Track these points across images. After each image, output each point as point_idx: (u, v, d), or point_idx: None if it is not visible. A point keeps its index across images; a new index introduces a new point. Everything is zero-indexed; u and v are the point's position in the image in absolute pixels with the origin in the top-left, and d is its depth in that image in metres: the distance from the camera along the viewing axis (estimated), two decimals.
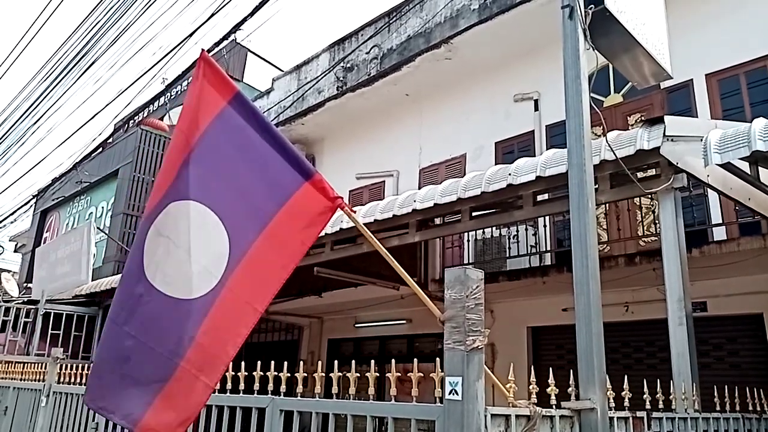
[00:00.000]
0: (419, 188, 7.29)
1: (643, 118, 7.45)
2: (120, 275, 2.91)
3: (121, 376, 2.60)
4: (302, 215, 2.86)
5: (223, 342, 2.60)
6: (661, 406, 3.25)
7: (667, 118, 4.12)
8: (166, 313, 2.61)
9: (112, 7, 9.48)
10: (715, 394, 3.78)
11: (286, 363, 3.20)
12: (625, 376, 3.11)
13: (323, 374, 2.95)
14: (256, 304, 2.65)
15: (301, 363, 3.20)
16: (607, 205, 7.03)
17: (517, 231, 8.04)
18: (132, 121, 17.35)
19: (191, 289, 2.61)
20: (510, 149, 9.29)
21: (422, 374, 2.54)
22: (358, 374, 2.80)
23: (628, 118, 7.98)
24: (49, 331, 9.78)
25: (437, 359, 2.39)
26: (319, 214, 2.86)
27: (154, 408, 2.52)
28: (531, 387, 2.60)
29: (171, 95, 16.51)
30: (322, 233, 6.21)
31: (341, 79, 11.51)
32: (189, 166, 2.80)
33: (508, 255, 8.15)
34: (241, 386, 3.40)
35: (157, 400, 2.52)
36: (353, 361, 2.86)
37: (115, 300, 2.72)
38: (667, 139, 4.02)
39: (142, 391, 2.54)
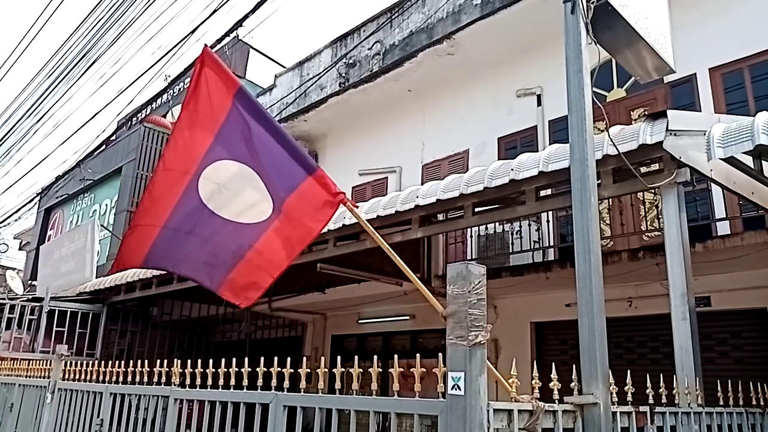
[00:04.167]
0: (422, 184, 7.28)
1: (646, 112, 7.43)
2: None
3: (203, 262, 3.50)
4: (305, 209, 2.91)
5: (277, 253, 3.30)
6: (664, 400, 3.25)
7: (670, 113, 4.10)
8: (229, 229, 3.40)
9: (114, 5, 9.48)
10: (719, 388, 3.77)
11: (289, 359, 3.22)
12: (628, 371, 3.11)
13: (326, 370, 2.96)
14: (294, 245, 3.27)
15: (305, 359, 3.21)
16: (610, 200, 7.03)
17: (520, 226, 8.03)
18: (135, 119, 17.38)
19: (245, 217, 3.37)
20: (513, 145, 9.28)
21: (425, 370, 2.54)
22: (362, 370, 2.81)
23: (631, 112, 7.96)
24: (54, 329, 9.83)
25: (440, 355, 2.40)
26: (321, 209, 2.89)
27: (228, 281, 3.42)
28: (534, 382, 2.61)
29: (174, 92, 16.53)
30: (325, 229, 6.22)
31: (343, 75, 11.50)
32: (225, 135, 3.31)
33: (511, 250, 8.14)
34: (245, 382, 3.42)
35: (228, 278, 3.41)
36: (356, 357, 2.85)
37: (178, 218, 3.45)
38: (670, 134, 4.01)
39: (218, 271, 3.46)
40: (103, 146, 13.94)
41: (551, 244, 7.94)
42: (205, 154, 3.37)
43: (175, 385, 3.99)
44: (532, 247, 7.86)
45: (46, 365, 5.93)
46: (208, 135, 3.33)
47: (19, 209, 16.42)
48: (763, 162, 3.98)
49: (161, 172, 3.45)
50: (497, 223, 7.93)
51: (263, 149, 3.19)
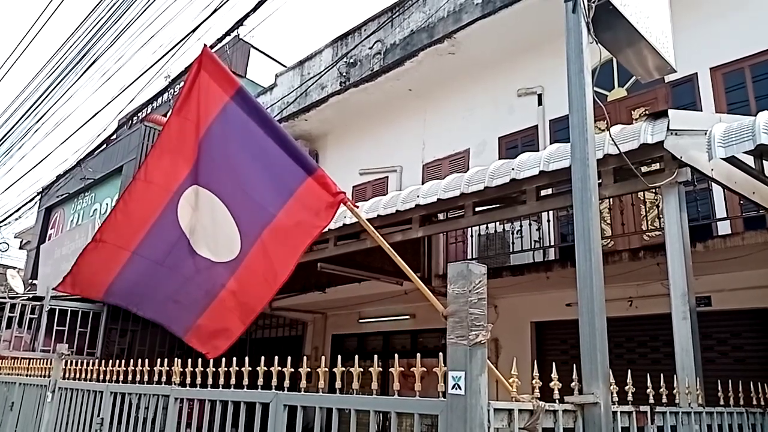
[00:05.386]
0: (422, 183, 7.28)
1: (647, 112, 7.43)
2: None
3: (174, 300, 3.24)
4: (306, 210, 2.88)
5: (250, 296, 3.07)
6: (664, 400, 3.25)
7: (671, 112, 4.10)
8: (202, 266, 3.16)
9: (114, 4, 9.49)
10: (719, 388, 3.77)
11: (289, 358, 3.21)
12: (629, 371, 3.11)
13: (327, 369, 2.96)
14: (270, 282, 3.03)
15: (305, 358, 3.21)
16: (611, 199, 7.03)
17: (521, 226, 8.03)
18: (136, 118, 17.39)
19: (217, 254, 3.14)
20: (513, 144, 9.28)
21: (425, 369, 2.54)
22: (362, 369, 2.81)
23: (632, 112, 7.96)
24: (55, 328, 9.81)
25: (440, 354, 2.39)
26: (322, 210, 2.87)
27: (196, 328, 3.19)
28: (534, 381, 2.61)
29: (174, 91, 16.52)
30: (326, 229, 6.23)
31: (344, 74, 11.49)
32: (200, 155, 3.11)
33: (511, 250, 8.14)
34: (245, 381, 3.41)
35: (197, 324, 3.18)
36: (357, 357, 2.85)
37: (151, 244, 3.19)
38: (671, 133, 4.01)
39: (187, 314, 3.20)
40: (104, 145, 13.95)
41: (552, 243, 7.93)
42: (189, 173, 3.11)
43: (175, 384, 3.99)
44: (532, 247, 7.86)
45: (46, 364, 5.93)
46: (194, 150, 3.10)
47: (20, 208, 16.45)
48: (764, 161, 3.98)
49: (140, 183, 3.14)
50: (498, 223, 7.93)
51: (259, 154, 3.03)
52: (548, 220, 7.79)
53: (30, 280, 15.19)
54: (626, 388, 3.11)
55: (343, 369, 2.89)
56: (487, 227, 8.26)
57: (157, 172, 3.15)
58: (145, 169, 3.16)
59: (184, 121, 3.12)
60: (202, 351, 3.22)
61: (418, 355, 2.61)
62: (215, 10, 8.05)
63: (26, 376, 6.42)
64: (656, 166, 4.40)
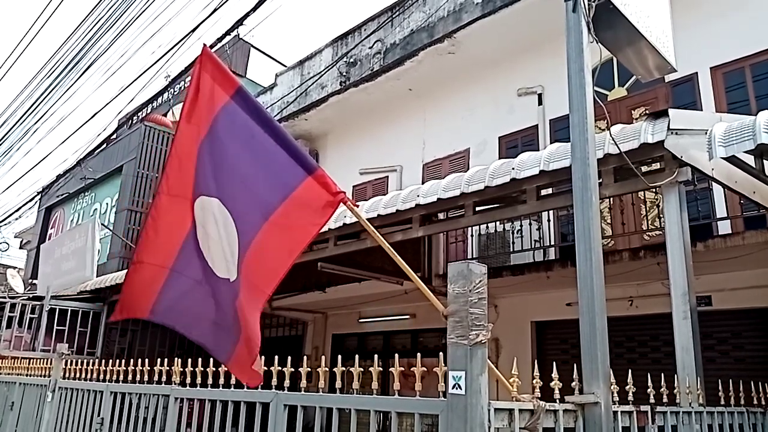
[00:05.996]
0: (423, 183, 7.28)
1: (647, 111, 7.42)
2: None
3: (213, 321, 3.05)
4: (305, 209, 2.87)
5: (250, 318, 2.87)
6: (665, 400, 3.25)
7: (671, 112, 4.09)
8: (226, 287, 2.98)
9: (114, 3, 9.48)
10: (720, 388, 3.77)
11: (290, 358, 3.21)
12: (629, 371, 3.11)
13: (327, 369, 2.96)
14: (263, 288, 2.89)
15: (306, 358, 3.21)
16: (611, 199, 7.03)
17: (521, 225, 8.03)
18: (136, 118, 17.38)
19: (228, 272, 2.96)
20: (514, 144, 9.28)
21: (426, 369, 2.54)
22: (362, 369, 2.80)
23: (633, 111, 7.95)
24: (55, 327, 9.81)
25: (441, 354, 2.39)
26: (321, 209, 2.86)
27: (236, 356, 2.95)
28: (535, 381, 2.60)
29: (174, 91, 16.52)
30: (326, 228, 6.22)
31: (344, 74, 11.49)
32: (201, 160, 3.03)
33: (511, 250, 8.14)
34: None
35: (236, 350, 2.95)
36: (357, 356, 2.85)
37: (186, 260, 3.06)
38: (672, 133, 4.00)
39: (226, 337, 2.97)
40: (104, 145, 13.95)
41: (552, 243, 7.93)
42: (195, 185, 3.03)
43: (175, 384, 3.99)
44: (532, 247, 7.85)
45: (46, 364, 5.93)
46: (193, 160, 3.02)
47: (20, 208, 16.46)
48: (765, 161, 3.98)
49: (164, 197, 3.05)
50: (498, 222, 7.92)
51: (259, 153, 2.98)
52: (548, 220, 7.79)
53: (30, 280, 15.19)
54: (627, 387, 3.10)
55: (344, 369, 2.89)
56: (487, 227, 8.26)
57: (177, 183, 3.06)
58: (165, 181, 3.05)
59: (194, 128, 3.05)
60: (243, 381, 3.04)
61: (419, 354, 2.61)
62: (215, 10, 8.04)
63: (26, 375, 6.42)
64: (656, 166, 4.39)
